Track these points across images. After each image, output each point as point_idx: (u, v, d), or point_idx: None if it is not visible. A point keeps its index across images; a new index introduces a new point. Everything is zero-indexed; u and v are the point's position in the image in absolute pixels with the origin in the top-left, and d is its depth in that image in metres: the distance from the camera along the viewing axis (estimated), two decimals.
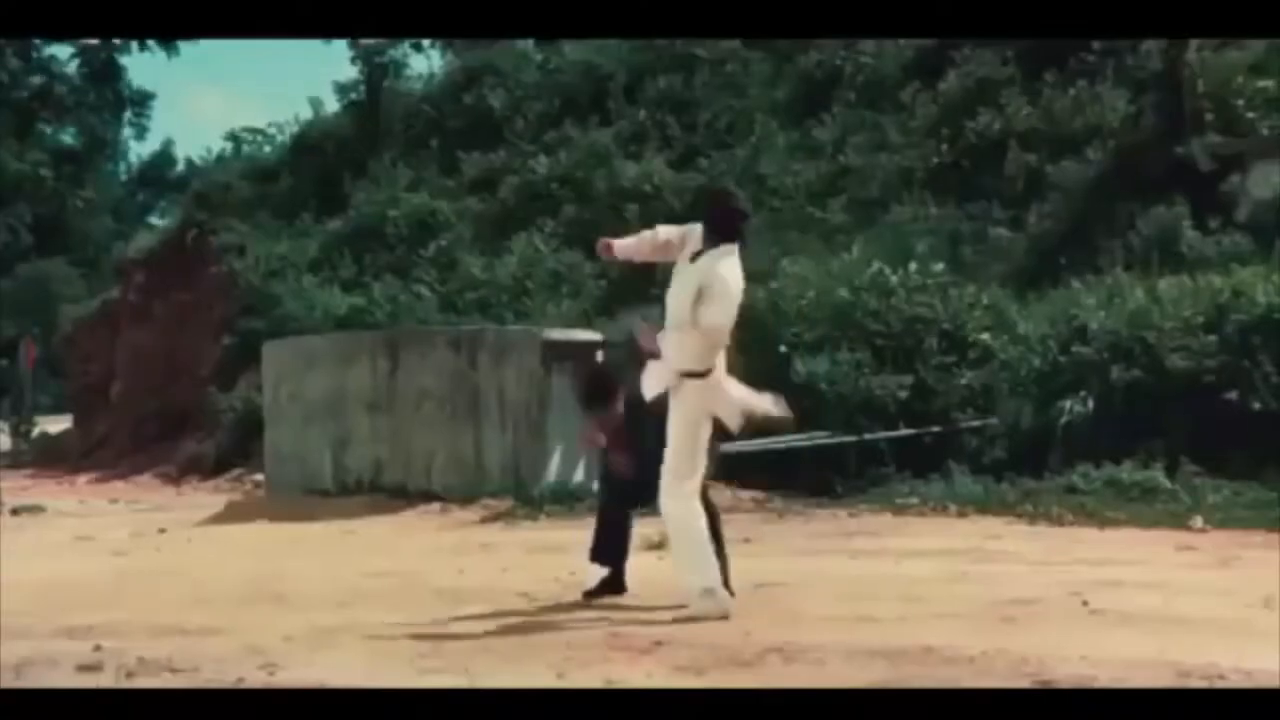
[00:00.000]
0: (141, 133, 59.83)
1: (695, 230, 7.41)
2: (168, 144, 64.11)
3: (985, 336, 14.41)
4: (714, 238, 7.31)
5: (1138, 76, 18.19)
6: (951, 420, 13.83)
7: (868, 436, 13.69)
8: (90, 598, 8.95)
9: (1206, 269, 14.48)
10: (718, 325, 7.23)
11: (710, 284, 7.20)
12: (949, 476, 13.35)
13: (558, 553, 10.29)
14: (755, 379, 14.66)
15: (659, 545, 9.23)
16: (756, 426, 8.11)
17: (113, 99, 55.69)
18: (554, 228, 21.41)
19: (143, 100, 57.59)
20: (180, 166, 59.51)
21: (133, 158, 61.71)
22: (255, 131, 30.90)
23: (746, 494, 13.41)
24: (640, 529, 8.54)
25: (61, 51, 53.00)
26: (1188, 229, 15.69)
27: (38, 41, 49.69)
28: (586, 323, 16.94)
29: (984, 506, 12.39)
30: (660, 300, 7.68)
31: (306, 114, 28.59)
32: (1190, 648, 6.24)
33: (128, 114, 57.46)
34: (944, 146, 18.90)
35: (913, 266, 14.87)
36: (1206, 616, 7.13)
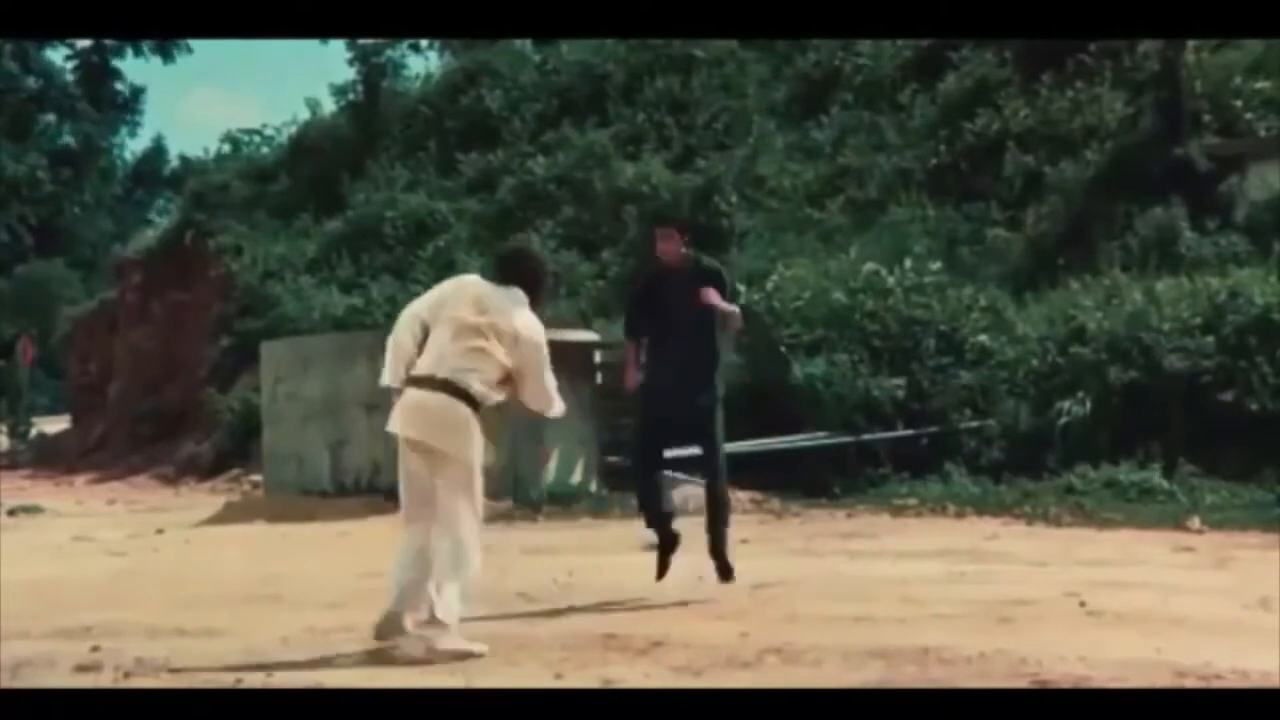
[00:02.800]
0: (134, 130, 59.83)
1: None
2: (158, 139, 63.92)
3: (983, 337, 14.42)
4: None
5: (1135, 78, 18.19)
6: (949, 421, 13.83)
7: (865, 437, 13.69)
8: (88, 598, 8.94)
9: (1204, 270, 14.49)
10: None
11: None
12: (947, 477, 13.38)
13: (556, 554, 10.31)
14: (754, 380, 14.72)
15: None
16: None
17: (109, 99, 55.60)
18: (552, 228, 21.40)
19: (135, 95, 57.56)
20: (173, 162, 59.44)
21: (127, 155, 61.57)
22: (253, 132, 30.90)
23: (744, 494, 13.40)
24: (640, 530, 8.56)
25: (58, 53, 53.06)
26: (1185, 230, 15.69)
27: (34, 42, 49.66)
28: (584, 323, 16.94)
29: (982, 507, 12.41)
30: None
31: (304, 115, 28.60)
32: (1188, 648, 6.23)
33: (118, 109, 57.33)
34: (942, 147, 18.90)
35: (908, 264, 14.87)
36: (1204, 617, 7.13)
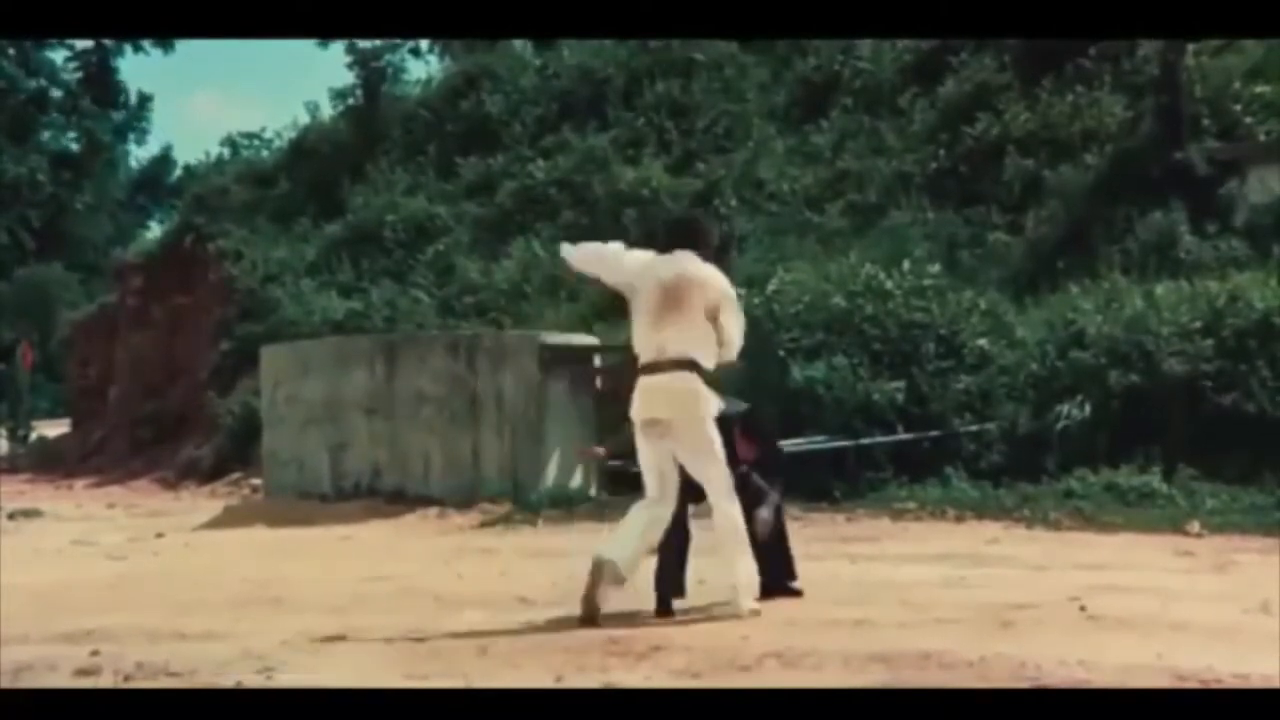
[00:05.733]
0: (141, 137, 59.90)
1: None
2: (166, 148, 64.08)
3: (983, 341, 14.40)
4: None
5: (1135, 81, 18.19)
6: (949, 425, 13.82)
7: (865, 441, 13.68)
8: (87, 602, 8.94)
9: (1204, 274, 14.48)
10: None
11: None
12: (946, 481, 13.35)
13: (556, 557, 10.30)
14: (753, 384, 14.67)
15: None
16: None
17: (110, 102, 55.61)
18: (552, 232, 21.39)
19: (142, 104, 57.61)
20: (178, 171, 59.43)
21: (131, 161, 61.60)
22: (252, 136, 30.92)
23: None
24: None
25: (59, 55, 53.05)
26: (1185, 234, 15.69)
27: (35, 44, 49.64)
28: (585, 327, 16.95)
29: (981, 511, 12.40)
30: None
31: (304, 119, 28.60)
32: (1188, 652, 6.23)
33: (125, 117, 57.36)
34: (942, 151, 18.89)
35: (907, 267, 14.86)
36: (1204, 621, 7.12)
